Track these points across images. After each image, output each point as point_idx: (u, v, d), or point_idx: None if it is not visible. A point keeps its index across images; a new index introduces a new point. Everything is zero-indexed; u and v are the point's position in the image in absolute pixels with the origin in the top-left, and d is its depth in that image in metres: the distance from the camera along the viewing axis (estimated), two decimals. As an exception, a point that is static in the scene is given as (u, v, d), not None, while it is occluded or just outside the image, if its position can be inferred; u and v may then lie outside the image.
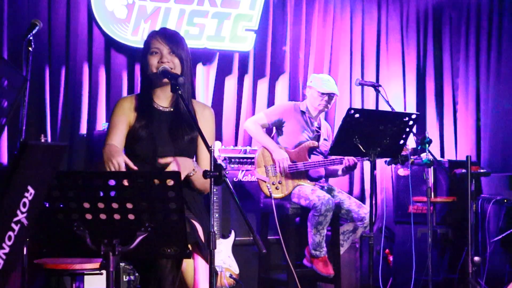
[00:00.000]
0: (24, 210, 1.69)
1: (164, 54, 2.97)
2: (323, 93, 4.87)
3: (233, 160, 4.92)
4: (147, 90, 3.05)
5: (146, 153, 2.94)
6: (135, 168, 2.73)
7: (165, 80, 2.95)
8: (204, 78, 5.46)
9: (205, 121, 2.86)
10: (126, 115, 2.99)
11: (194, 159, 3.06)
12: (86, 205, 2.23)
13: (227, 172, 2.47)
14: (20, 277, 3.18)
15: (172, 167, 2.76)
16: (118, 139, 2.95)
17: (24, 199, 1.69)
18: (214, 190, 2.49)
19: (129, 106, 3.02)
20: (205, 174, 2.48)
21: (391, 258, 5.48)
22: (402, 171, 5.37)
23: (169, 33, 3.05)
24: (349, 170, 4.81)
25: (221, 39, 5.46)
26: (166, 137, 2.96)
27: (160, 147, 2.94)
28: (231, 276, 4.50)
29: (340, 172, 4.88)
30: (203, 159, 3.03)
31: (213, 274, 2.45)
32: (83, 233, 2.25)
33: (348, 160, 4.70)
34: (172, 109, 3.03)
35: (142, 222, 2.24)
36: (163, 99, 3.04)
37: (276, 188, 4.76)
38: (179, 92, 2.77)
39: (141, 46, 3.12)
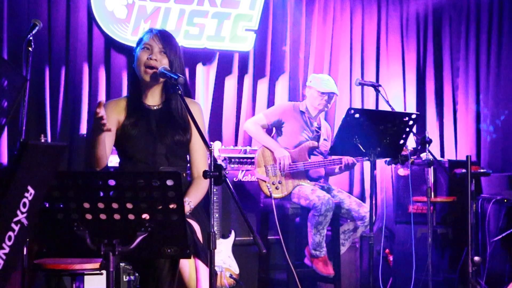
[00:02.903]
0: (24, 210, 1.69)
1: (155, 52, 2.96)
2: (323, 93, 4.87)
3: (233, 160, 4.92)
4: (137, 88, 3.04)
5: (137, 152, 2.94)
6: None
7: (162, 79, 2.95)
8: (204, 78, 5.46)
9: (195, 116, 2.84)
10: (114, 116, 2.98)
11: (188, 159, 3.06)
12: (86, 205, 2.23)
13: (227, 172, 2.47)
14: (20, 277, 3.18)
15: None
16: (109, 141, 2.94)
17: (24, 199, 1.69)
18: (214, 190, 2.49)
19: (117, 107, 3.01)
20: (205, 174, 2.48)
21: (391, 258, 5.48)
22: (402, 171, 5.37)
23: (163, 33, 3.05)
24: (347, 168, 4.82)
25: (221, 39, 5.46)
26: (156, 135, 2.96)
27: (151, 145, 2.94)
28: (231, 276, 4.50)
29: (337, 170, 4.88)
30: (197, 155, 3.02)
31: (213, 274, 2.45)
32: (83, 233, 2.25)
33: (347, 160, 4.71)
34: (160, 107, 3.02)
35: (142, 222, 2.24)
36: (151, 98, 3.03)
37: (276, 188, 4.76)
38: (179, 92, 2.77)
39: (142, 46, 3.11)
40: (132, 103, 3.01)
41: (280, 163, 4.73)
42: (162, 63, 2.95)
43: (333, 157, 4.74)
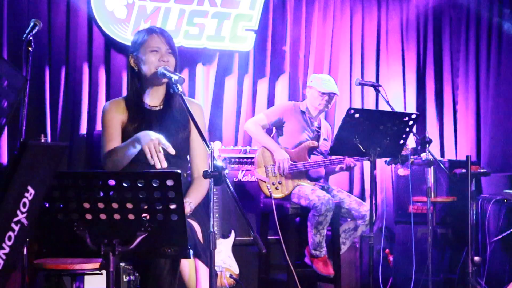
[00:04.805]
0: (24, 210, 1.69)
1: (163, 53, 2.96)
2: (323, 93, 4.87)
3: (233, 160, 4.92)
4: (137, 89, 3.03)
5: (139, 153, 2.93)
6: (170, 147, 2.73)
7: (164, 79, 2.94)
8: (204, 78, 5.46)
9: (196, 116, 2.85)
10: (118, 116, 2.98)
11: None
12: (86, 205, 2.23)
13: (227, 172, 2.47)
14: (20, 277, 3.18)
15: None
16: (118, 140, 2.96)
17: (24, 199, 1.68)
18: (214, 190, 2.49)
19: (119, 108, 3.00)
20: (205, 174, 2.48)
21: (391, 258, 5.48)
22: (402, 171, 5.36)
23: (166, 33, 3.05)
24: (347, 168, 4.82)
25: (221, 39, 5.46)
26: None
27: None
28: (231, 276, 4.50)
29: (337, 169, 4.88)
30: (197, 155, 3.03)
31: (213, 274, 2.45)
32: (83, 233, 2.25)
33: (348, 162, 4.70)
34: (161, 107, 3.02)
35: (142, 222, 2.24)
36: (152, 98, 3.03)
37: (276, 188, 4.76)
38: (180, 92, 2.77)
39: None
40: (133, 105, 3.01)
41: (279, 166, 4.74)
42: (171, 62, 2.96)
43: (333, 157, 4.74)
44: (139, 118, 2.98)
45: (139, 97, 3.02)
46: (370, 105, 6.03)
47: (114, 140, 2.96)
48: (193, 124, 2.69)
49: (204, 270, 2.76)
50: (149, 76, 2.97)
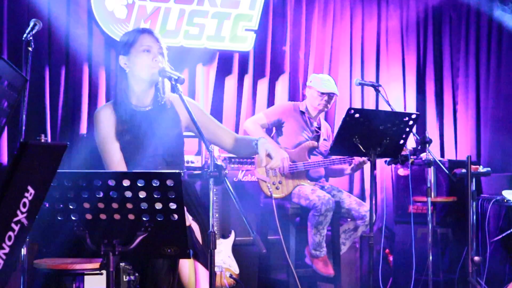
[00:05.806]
0: (24, 210, 1.69)
1: (156, 52, 2.95)
2: (323, 93, 4.87)
3: (233, 160, 4.92)
4: (125, 92, 3.00)
5: (135, 156, 2.92)
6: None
7: (159, 79, 2.94)
8: (204, 78, 5.46)
9: (197, 114, 2.84)
10: (112, 123, 2.97)
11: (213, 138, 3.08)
12: (86, 205, 2.23)
13: (226, 172, 2.47)
14: (20, 277, 3.18)
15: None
16: (119, 151, 2.94)
17: (24, 199, 1.68)
18: (214, 190, 2.49)
19: (110, 114, 2.98)
20: (205, 174, 2.48)
21: (391, 258, 5.48)
22: (402, 171, 5.36)
23: (155, 33, 3.03)
24: (358, 167, 4.82)
25: (221, 39, 5.46)
26: (152, 136, 2.95)
27: (148, 147, 2.93)
28: (231, 276, 4.50)
29: (348, 171, 4.88)
30: (219, 130, 3.06)
31: (213, 274, 2.45)
32: (83, 233, 2.25)
33: (359, 159, 4.71)
34: (151, 107, 3.01)
35: (142, 222, 2.24)
36: (141, 99, 3.00)
37: (276, 188, 4.76)
38: (180, 91, 2.76)
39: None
40: (122, 108, 2.98)
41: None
42: (163, 63, 2.94)
43: (333, 157, 4.74)
44: (130, 120, 2.96)
45: (127, 99, 3.00)
46: (370, 105, 6.04)
47: (119, 163, 2.93)
48: (191, 119, 2.66)
49: (203, 271, 2.76)
50: (144, 78, 2.95)
